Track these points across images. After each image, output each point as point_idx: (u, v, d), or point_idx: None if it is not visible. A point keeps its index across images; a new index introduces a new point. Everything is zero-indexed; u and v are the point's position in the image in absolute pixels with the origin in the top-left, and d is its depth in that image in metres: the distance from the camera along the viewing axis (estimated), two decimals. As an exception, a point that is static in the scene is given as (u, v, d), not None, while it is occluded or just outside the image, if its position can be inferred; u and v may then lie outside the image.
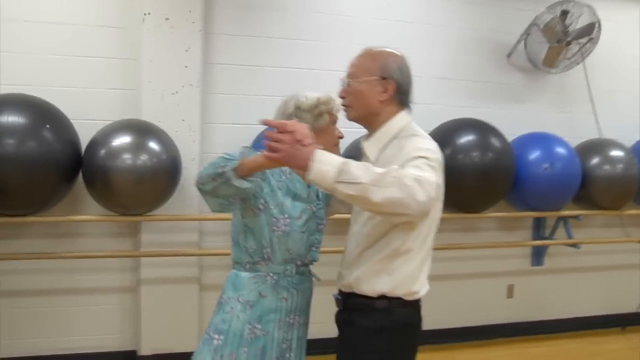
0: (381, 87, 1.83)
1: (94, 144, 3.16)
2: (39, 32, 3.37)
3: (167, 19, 3.47)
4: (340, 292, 1.96)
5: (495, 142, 3.80)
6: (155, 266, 3.58)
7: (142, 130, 3.23)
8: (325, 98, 1.94)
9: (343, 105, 1.90)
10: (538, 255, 4.49)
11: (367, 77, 1.83)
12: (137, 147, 3.12)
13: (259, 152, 1.71)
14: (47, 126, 2.98)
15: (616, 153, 4.17)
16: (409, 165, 1.66)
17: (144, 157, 3.10)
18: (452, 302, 4.23)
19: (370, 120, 1.88)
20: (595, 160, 4.14)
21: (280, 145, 1.57)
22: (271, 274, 1.91)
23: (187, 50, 3.55)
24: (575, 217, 4.26)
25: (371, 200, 1.54)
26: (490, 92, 4.33)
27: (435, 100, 4.13)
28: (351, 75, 1.87)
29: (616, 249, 4.67)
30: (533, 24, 4.16)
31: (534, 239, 4.48)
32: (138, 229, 3.57)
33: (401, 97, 1.86)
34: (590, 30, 4.09)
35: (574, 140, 4.27)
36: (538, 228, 4.48)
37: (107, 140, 3.13)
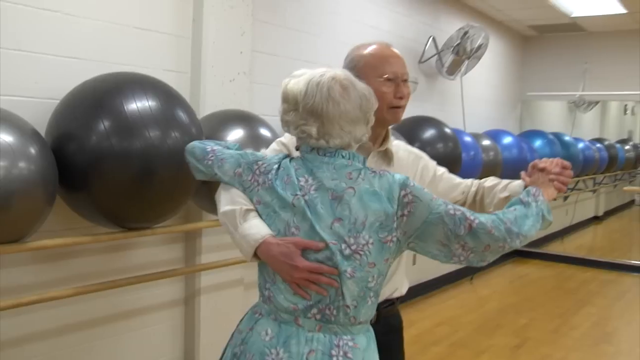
0: None
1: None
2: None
3: (227, -4, 3.15)
4: None
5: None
6: (214, 272, 3.21)
7: (247, 120, 2.91)
8: None
9: (402, 106, 1.76)
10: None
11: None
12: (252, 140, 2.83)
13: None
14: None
15: (486, 142, 5.48)
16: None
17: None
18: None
19: None
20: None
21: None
22: None
23: (242, 35, 3.27)
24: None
25: None
26: (405, 92, 5.11)
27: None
28: (408, 78, 1.75)
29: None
30: (448, 40, 5.11)
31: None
32: (197, 233, 3.14)
33: None
34: (478, 49, 5.26)
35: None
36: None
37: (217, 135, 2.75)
